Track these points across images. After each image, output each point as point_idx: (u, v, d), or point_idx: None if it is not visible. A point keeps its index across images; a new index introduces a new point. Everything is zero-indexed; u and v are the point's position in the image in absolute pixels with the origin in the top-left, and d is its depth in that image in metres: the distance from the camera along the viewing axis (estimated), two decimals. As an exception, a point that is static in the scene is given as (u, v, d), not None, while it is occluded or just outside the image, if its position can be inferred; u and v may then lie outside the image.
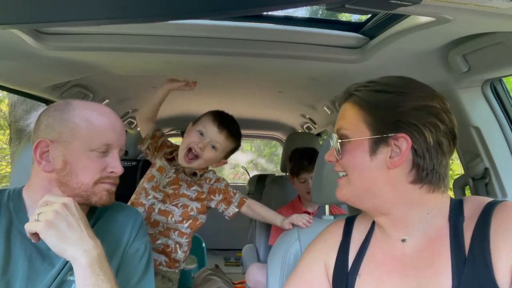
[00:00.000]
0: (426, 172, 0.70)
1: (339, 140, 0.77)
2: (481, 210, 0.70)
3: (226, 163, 1.48)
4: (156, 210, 1.39)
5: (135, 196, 1.45)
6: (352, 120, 0.76)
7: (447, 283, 0.66)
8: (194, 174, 1.44)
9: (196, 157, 1.35)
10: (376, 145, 0.72)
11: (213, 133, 1.35)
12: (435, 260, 0.70)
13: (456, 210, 0.73)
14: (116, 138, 0.91)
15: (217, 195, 1.44)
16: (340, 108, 0.81)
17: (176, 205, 1.40)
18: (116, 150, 0.92)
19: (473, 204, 0.72)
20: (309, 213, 1.69)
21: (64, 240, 0.76)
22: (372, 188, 0.74)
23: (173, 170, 1.43)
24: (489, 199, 0.72)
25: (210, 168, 1.51)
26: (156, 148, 1.49)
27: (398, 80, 0.76)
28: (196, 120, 1.45)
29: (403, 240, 0.75)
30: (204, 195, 1.43)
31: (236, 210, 1.44)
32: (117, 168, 0.91)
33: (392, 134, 0.70)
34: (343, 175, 0.79)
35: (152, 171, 1.46)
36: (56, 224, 0.75)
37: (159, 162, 1.47)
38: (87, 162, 0.87)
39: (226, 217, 1.46)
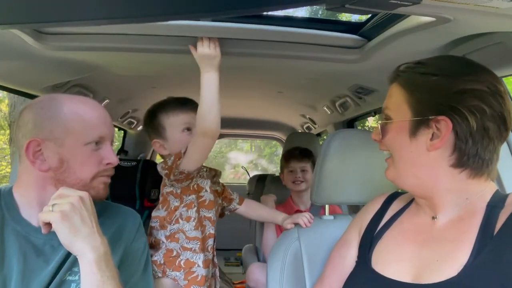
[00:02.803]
0: (467, 157, 0.70)
1: (380, 122, 0.80)
2: None
3: None
4: (214, 231, 1.32)
5: (200, 231, 1.24)
6: (395, 100, 0.78)
7: (464, 257, 0.67)
8: (211, 170, 1.40)
9: None
10: (416, 127, 0.73)
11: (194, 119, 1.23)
12: (460, 236, 0.70)
13: (498, 199, 0.72)
14: (108, 130, 0.91)
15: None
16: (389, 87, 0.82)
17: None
18: (109, 142, 0.92)
19: None
20: (301, 212, 1.70)
21: (75, 234, 0.76)
22: (412, 169, 0.76)
23: (208, 185, 1.32)
24: None
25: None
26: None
27: (446, 62, 0.75)
28: (156, 128, 1.27)
29: (434, 218, 0.77)
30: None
31: (238, 206, 1.43)
32: (113, 159, 0.91)
33: (433, 117, 0.70)
34: (390, 155, 0.81)
35: (205, 196, 1.27)
36: (70, 217, 0.76)
37: (205, 182, 1.29)
38: (83, 157, 0.87)
39: (227, 212, 1.44)
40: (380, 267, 0.79)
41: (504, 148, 1.26)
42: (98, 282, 0.76)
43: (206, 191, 1.28)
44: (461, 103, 0.68)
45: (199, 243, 1.23)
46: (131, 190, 2.32)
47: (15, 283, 0.80)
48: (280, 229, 1.85)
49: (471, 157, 0.70)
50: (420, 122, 0.72)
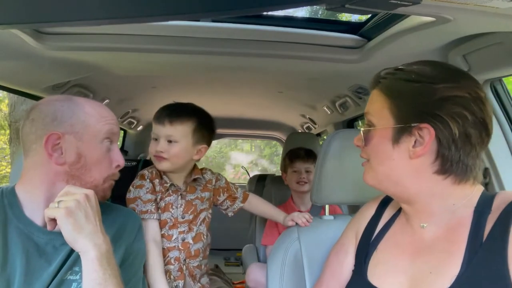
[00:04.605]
0: (451, 163, 0.69)
1: (362, 129, 0.79)
2: (507, 204, 0.68)
3: (207, 148, 1.33)
4: (191, 241, 1.29)
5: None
6: (377, 106, 0.77)
7: (455, 268, 0.67)
8: (196, 180, 1.36)
9: (164, 159, 1.26)
10: (399, 134, 0.72)
11: (159, 130, 1.25)
12: (451, 247, 0.70)
13: (485, 203, 0.71)
14: (117, 129, 0.96)
15: (221, 194, 1.41)
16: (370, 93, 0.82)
17: (200, 224, 1.34)
18: (116, 143, 0.96)
19: (503, 198, 0.70)
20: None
21: (79, 231, 0.77)
22: (394, 177, 0.75)
23: (179, 197, 1.30)
24: None
25: (197, 165, 1.43)
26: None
27: (427, 68, 0.74)
28: None
29: (422, 226, 0.76)
30: (211, 197, 1.40)
31: (241, 205, 1.42)
32: (121, 161, 0.95)
33: (416, 124, 0.70)
34: (366, 160, 0.81)
35: (159, 215, 1.26)
36: (75, 213, 0.77)
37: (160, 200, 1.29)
38: (99, 155, 0.90)
39: (231, 213, 1.43)
40: (376, 280, 0.78)
41: (504, 148, 1.26)
42: (100, 280, 0.76)
43: (155, 212, 1.26)
44: (443, 110, 0.68)
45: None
46: (131, 190, 2.32)
47: (18, 283, 0.80)
48: (278, 231, 1.85)
49: (455, 163, 0.69)
50: (402, 129, 0.72)
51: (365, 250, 0.85)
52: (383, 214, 0.88)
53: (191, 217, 1.31)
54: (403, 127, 0.72)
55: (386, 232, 0.84)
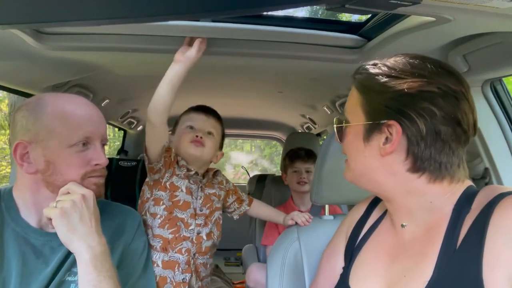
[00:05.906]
0: (422, 161, 0.66)
1: (336, 125, 0.78)
2: (487, 202, 0.63)
3: (223, 154, 1.43)
4: (205, 237, 1.30)
5: (169, 231, 1.23)
6: (352, 103, 0.75)
7: (428, 272, 0.64)
8: (214, 174, 1.39)
9: (203, 145, 1.29)
10: (370, 131, 0.70)
11: (203, 121, 1.32)
12: (426, 248, 0.67)
13: (466, 200, 0.67)
14: (94, 129, 0.88)
15: (230, 196, 1.44)
16: None
17: (214, 222, 1.35)
18: (98, 141, 0.89)
19: (485, 195, 0.65)
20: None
21: (72, 232, 0.77)
22: (368, 174, 0.73)
23: (200, 189, 1.32)
24: (504, 190, 0.65)
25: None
26: (170, 164, 1.27)
27: (401, 62, 0.70)
28: (174, 125, 1.38)
29: (403, 226, 0.73)
30: (223, 198, 1.42)
31: (248, 208, 1.45)
32: (101, 160, 0.88)
33: (384, 121, 0.67)
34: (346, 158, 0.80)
35: (180, 196, 1.26)
36: (69, 214, 0.77)
37: (182, 182, 1.29)
38: (69, 158, 0.84)
39: (236, 216, 1.46)
40: (355, 283, 0.77)
41: (504, 148, 1.26)
42: (95, 282, 0.76)
43: (181, 191, 1.28)
44: (410, 106, 0.65)
45: (161, 241, 1.22)
46: (131, 190, 2.32)
47: (14, 285, 0.80)
48: (278, 231, 1.85)
49: (426, 160, 0.66)
50: (372, 126, 0.69)
51: (350, 253, 0.83)
52: (371, 215, 0.86)
53: (207, 211, 1.33)
54: (372, 124, 0.69)
55: (371, 234, 0.82)
